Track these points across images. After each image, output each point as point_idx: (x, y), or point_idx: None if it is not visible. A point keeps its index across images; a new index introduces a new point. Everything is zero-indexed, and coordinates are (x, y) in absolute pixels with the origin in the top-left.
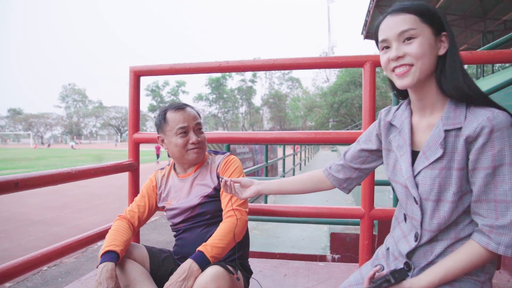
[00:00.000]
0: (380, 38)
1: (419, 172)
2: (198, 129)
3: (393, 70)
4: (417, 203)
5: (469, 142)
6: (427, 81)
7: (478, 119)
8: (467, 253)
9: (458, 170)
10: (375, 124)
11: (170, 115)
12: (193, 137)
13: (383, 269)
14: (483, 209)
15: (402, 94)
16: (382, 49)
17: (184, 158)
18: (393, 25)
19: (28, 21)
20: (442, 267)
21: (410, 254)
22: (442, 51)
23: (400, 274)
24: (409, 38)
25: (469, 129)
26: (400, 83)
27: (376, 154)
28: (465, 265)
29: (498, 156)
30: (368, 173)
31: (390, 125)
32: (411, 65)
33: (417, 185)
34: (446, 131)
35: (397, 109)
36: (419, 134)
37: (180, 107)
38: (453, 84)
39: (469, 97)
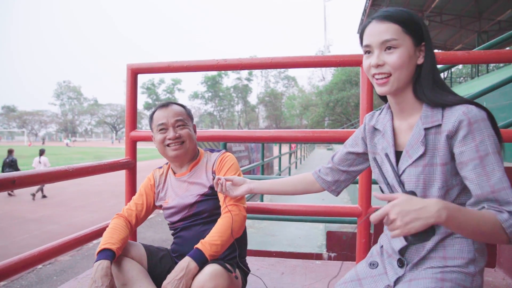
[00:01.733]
0: (364, 42)
1: (403, 171)
2: (178, 125)
3: (373, 76)
4: None
5: (450, 137)
6: (405, 87)
7: (454, 114)
8: (484, 215)
9: (442, 165)
10: (360, 129)
11: (155, 113)
12: (170, 133)
13: (377, 266)
14: (486, 201)
15: (383, 97)
16: (365, 53)
17: (166, 155)
18: (377, 32)
19: (27, 17)
20: (467, 211)
21: (402, 251)
22: (420, 61)
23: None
24: (390, 48)
25: (448, 125)
26: (379, 90)
27: (362, 157)
28: (478, 223)
29: (482, 146)
30: (356, 176)
31: (374, 129)
32: (389, 74)
33: (402, 184)
34: (426, 129)
35: (380, 113)
36: (401, 135)
37: (164, 105)
38: (426, 94)
39: (440, 104)
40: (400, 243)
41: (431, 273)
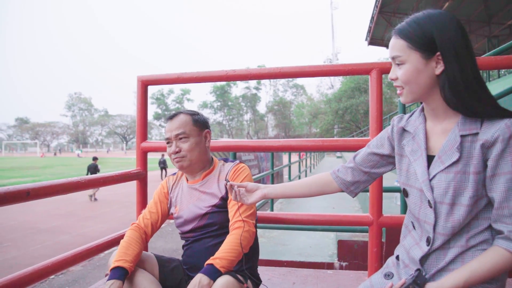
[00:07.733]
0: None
1: (434, 176)
2: (180, 138)
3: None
4: (431, 207)
5: (486, 147)
6: (432, 95)
7: (495, 126)
8: (493, 257)
9: (475, 174)
10: (387, 130)
11: (166, 126)
12: (172, 147)
13: (392, 277)
14: (506, 217)
15: None
16: None
17: (175, 166)
18: (390, 47)
19: (29, 32)
20: (467, 269)
21: (422, 260)
22: (438, 71)
23: (420, 279)
24: (399, 63)
25: (487, 135)
26: (400, 99)
27: (386, 160)
28: (490, 268)
29: None
30: (376, 178)
31: (403, 131)
32: (402, 87)
33: (432, 189)
34: (462, 136)
35: (410, 116)
36: (433, 139)
37: (170, 117)
38: (454, 103)
39: (476, 113)
40: (421, 251)
41: None
